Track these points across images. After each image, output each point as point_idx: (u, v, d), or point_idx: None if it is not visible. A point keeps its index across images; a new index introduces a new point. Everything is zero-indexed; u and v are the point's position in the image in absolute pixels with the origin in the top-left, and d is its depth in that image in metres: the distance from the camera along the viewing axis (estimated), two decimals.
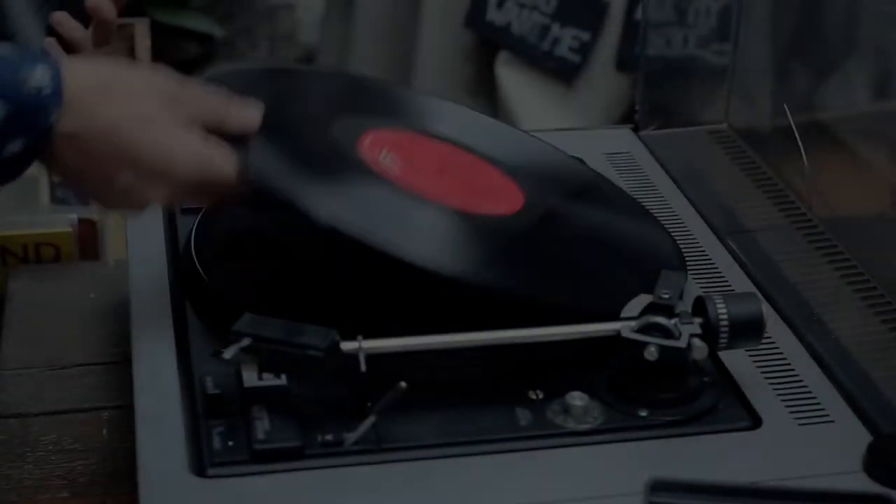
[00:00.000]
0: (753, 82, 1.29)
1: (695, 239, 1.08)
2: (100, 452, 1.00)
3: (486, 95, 2.19)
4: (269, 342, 0.83)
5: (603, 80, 2.10)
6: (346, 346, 0.84)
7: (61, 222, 1.32)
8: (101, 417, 1.03)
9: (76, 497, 0.96)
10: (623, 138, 1.26)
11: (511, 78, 2.13)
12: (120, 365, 1.09)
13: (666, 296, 0.88)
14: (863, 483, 0.82)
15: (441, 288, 0.87)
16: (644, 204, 1.10)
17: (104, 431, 1.02)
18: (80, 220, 1.34)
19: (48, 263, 1.30)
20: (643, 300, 0.88)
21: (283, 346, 0.83)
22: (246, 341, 0.83)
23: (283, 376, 0.86)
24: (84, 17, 1.10)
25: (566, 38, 2.09)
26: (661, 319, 0.86)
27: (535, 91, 2.12)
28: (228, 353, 0.83)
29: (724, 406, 0.88)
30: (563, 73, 2.10)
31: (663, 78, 1.30)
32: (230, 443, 0.83)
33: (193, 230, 1.01)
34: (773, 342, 0.94)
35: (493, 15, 2.12)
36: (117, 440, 1.01)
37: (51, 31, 1.10)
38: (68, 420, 1.03)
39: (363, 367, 0.83)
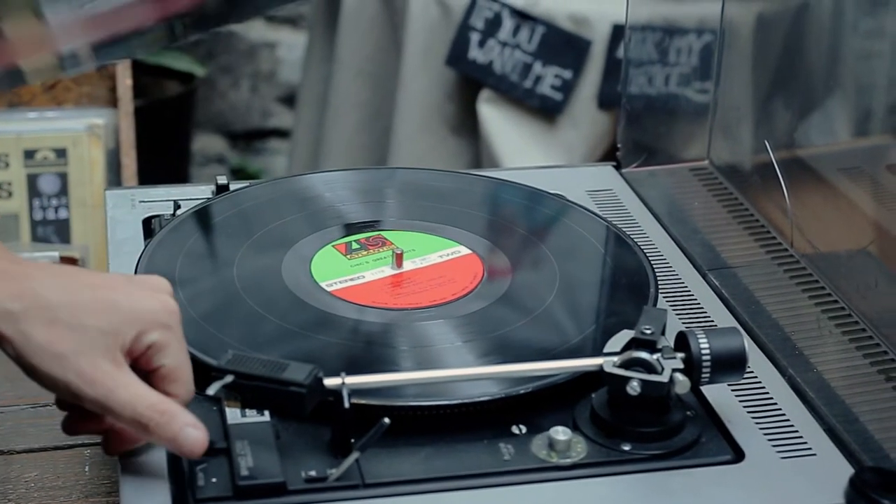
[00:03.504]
0: (735, 120, 1.29)
1: (677, 275, 1.08)
2: (82, 490, 0.99)
3: (469, 133, 2.20)
4: (251, 378, 0.83)
5: (585, 117, 2.11)
6: (329, 382, 0.84)
7: (42, 260, 1.32)
8: (84, 454, 1.03)
9: None
10: (605, 175, 1.26)
11: (493, 116, 2.13)
12: None
13: (648, 331, 0.88)
14: None
15: None
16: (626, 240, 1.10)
17: (86, 468, 1.01)
18: (62, 258, 1.34)
19: None
20: (625, 335, 0.89)
21: (265, 382, 0.83)
22: (229, 378, 0.83)
23: (267, 413, 0.86)
24: None
25: (548, 76, 2.09)
26: (643, 354, 0.87)
27: (517, 128, 2.12)
28: (212, 390, 0.83)
29: (707, 440, 0.88)
30: (546, 110, 2.11)
31: (645, 116, 1.31)
32: (213, 479, 0.83)
33: None
34: (755, 376, 0.95)
35: (475, 53, 2.13)
36: (99, 477, 1.00)
37: None
38: (50, 457, 1.03)
39: (346, 404, 0.83)
